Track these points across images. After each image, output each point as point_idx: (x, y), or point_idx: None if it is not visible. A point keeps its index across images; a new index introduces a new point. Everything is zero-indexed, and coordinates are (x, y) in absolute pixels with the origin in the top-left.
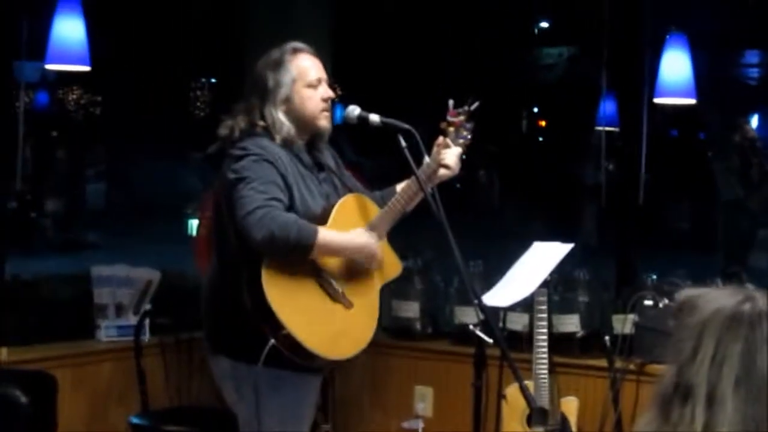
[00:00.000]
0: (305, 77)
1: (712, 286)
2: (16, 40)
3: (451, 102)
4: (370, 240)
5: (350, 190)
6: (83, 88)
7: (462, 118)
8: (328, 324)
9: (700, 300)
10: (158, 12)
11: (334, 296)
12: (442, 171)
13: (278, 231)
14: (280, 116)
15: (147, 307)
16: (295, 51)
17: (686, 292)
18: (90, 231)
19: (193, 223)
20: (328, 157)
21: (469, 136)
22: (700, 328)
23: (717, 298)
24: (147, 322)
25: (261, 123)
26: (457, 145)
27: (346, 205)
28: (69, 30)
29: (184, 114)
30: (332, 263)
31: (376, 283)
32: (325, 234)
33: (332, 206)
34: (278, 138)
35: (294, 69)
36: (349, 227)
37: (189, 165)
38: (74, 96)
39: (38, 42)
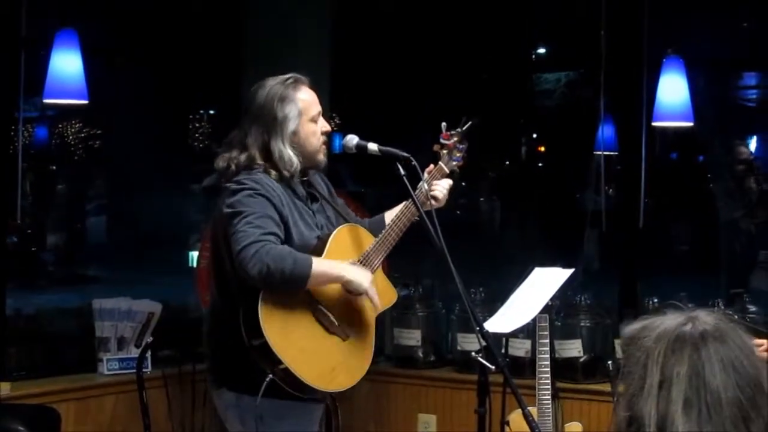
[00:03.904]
0: (309, 111)
1: (657, 314)
2: (14, 75)
3: (444, 124)
4: (365, 273)
5: (345, 219)
6: (83, 121)
7: (455, 140)
8: (324, 357)
9: (644, 331)
10: (155, 44)
11: (330, 328)
12: (432, 202)
13: (273, 264)
14: (289, 150)
15: (149, 339)
16: (297, 83)
17: (630, 328)
18: (91, 264)
19: (194, 255)
20: (321, 185)
21: (462, 158)
22: (645, 358)
23: (659, 325)
24: (149, 354)
25: (260, 161)
26: (450, 167)
27: (341, 236)
28: (66, 64)
29: (183, 146)
30: (328, 295)
31: (372, 313)
32: (320, 263)
33: (327, 237)
34: (274, 173)
35: (300, 102)
36: (344, 258)
37: (189, 197)
38: (73, 130)
39: (36, 77)
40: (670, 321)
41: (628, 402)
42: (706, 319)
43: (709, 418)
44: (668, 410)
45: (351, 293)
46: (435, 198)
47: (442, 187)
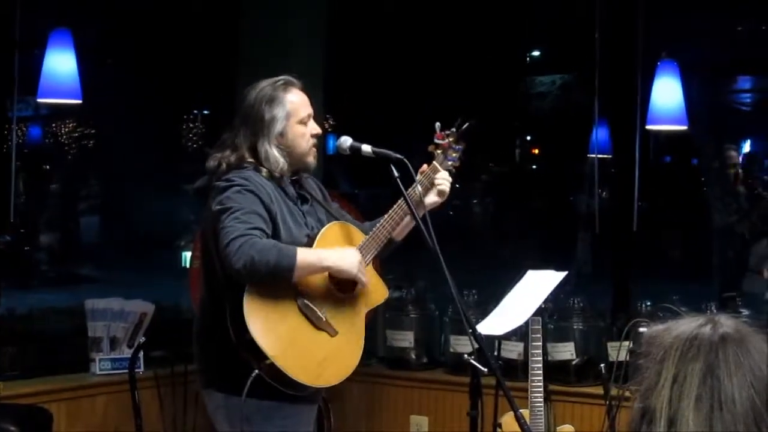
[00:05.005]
0: (298, 113)
1: (677, 318)
2: (7, 74)
3: (438, 124)
4: (353, 253)
5: (337, 220)
6: (76, 121)
7: (450, 140)
8: (311, 352)
9: (664, 332)
10: (150, 44)
11: (317, 324)
12: (433, 198)
13: (258, 256)
14: (275, 151)
15: (141, 339)
16: (287, 85)
17: (651, 329)
18: (84, 264)
19: (187, 256)
20: (313, 187)
21: (459, 158)
22: (662, 354)
23: (679, 326)
24: (141, 354)
25: (250, 159)
26: (445, 167)
27: (330, 232)
28: (60, 64)
29: (177, 146)
30: (315, 291)
31: (361, 310)
32: (306, 253)
33: (316, 235)
34: (265, 171)
35: (288, 104)
36: None
37: (183, 197)
38: (67, 129)
39: (30, 76)
40: (691, 323)
41: (642, 395)
42: (727, 322)
43: (720, 416)
44: (680, 405)
45: (341, 280)
46: (442, 192)
47: (445, 180)
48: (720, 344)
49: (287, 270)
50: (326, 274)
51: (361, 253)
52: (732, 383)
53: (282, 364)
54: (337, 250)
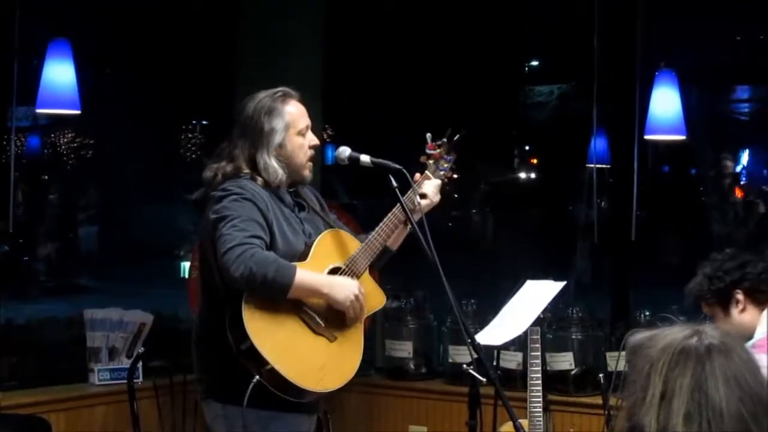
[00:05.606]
0: (297, 124)
1: (664, 326)
2: (6, 84)
3: (428, 135)
4: (351, 285)
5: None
6: (75, 131)
7: (440, 150)
8: (311, 357)
9: (650, 341)
10: (148, 54)
11: (316, 329)
12: (422, 201)
13: (256, 268)
14: (274, 162)
15: (140, 349)
16: (285, 97)
17: (636, 336)
18: (83, 274)
19: (186, 266)
20: (311, 197)
21: (450, 168)
22: (648, 369)
23: (665, 336)
24: (140, 365)
25: (246, 170)
26: (437, 177)
27: (325, 241)
28: (59, 74)
29: (175, 156)
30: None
31: (361, 314)
32: (304, 275)
33: (312, 243)
34: (260, 180)
35: (287, 115)
36: (329, 262)
37: (181, 207)
38: (66, 140)
39: (29, 86)
40: (676, 333)
41: (628, 412)
42: (712, 333)
43: (710, 431)
44: (668, 422)
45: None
46: (424, 195)
47: (430, 185)
48: (706, 356)
49: (283, 287)
50: None
51: (356, 260)
52: (720, 395)
53: (282, 370)
54: (336, 278)
